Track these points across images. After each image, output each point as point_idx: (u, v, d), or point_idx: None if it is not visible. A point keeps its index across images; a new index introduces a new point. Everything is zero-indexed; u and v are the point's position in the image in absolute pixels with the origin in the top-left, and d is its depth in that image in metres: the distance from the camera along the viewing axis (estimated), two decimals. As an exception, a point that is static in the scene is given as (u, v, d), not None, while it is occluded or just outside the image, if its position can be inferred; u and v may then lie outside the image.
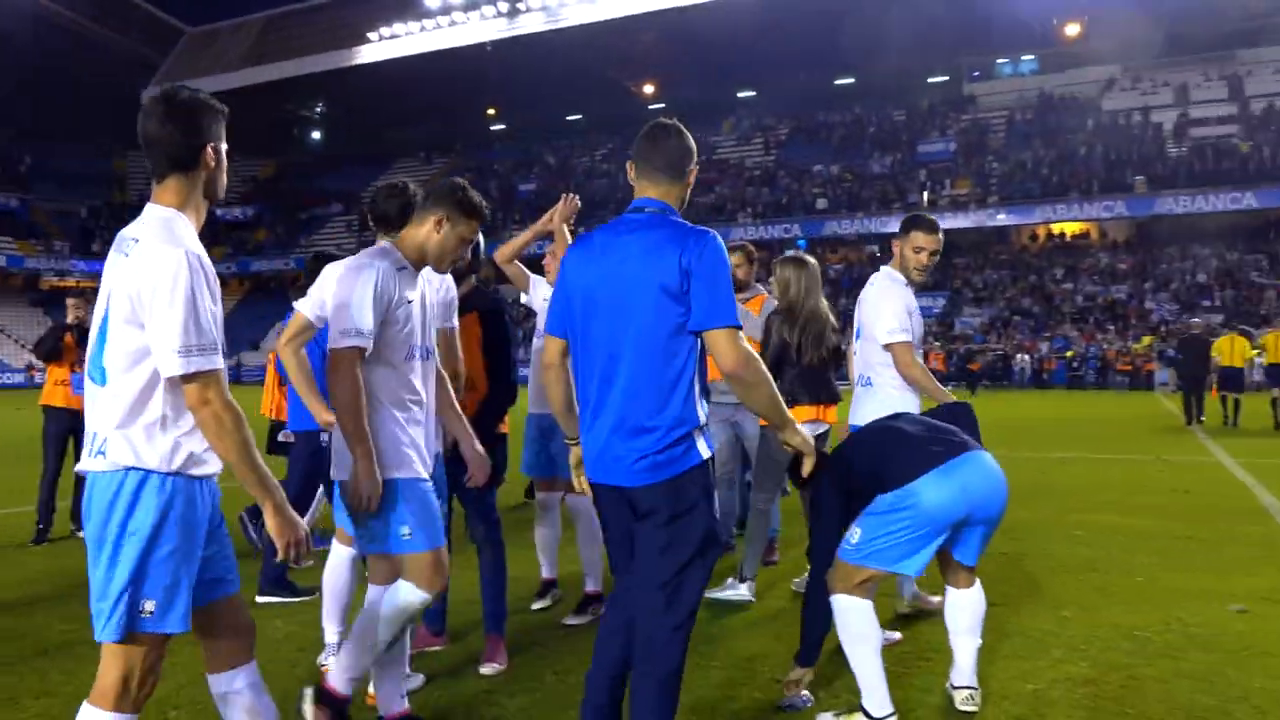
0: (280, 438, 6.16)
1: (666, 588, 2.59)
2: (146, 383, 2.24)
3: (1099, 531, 6.82)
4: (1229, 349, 16.99)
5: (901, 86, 52.48)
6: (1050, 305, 40.54)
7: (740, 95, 57.00)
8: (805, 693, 3.48)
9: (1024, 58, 52.96)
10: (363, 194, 58.41)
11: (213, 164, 2.35)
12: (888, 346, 4.31)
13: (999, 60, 53.54)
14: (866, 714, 3.20)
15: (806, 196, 47.52)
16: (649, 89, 58.59)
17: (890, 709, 3.19)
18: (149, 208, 2.33)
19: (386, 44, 52.63)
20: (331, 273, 3.35)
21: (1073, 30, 49.72)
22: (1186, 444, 13.79)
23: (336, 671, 3.08)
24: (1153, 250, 42.32)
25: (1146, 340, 35.11)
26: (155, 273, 2.18)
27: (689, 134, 2.82)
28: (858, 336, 4.59)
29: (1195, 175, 40.04)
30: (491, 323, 4.04)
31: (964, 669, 3.43)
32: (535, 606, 4.83)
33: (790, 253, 5.43)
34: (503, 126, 63.52)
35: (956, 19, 42.97)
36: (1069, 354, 35.75)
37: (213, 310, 2.25)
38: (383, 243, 3.24)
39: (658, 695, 2.58)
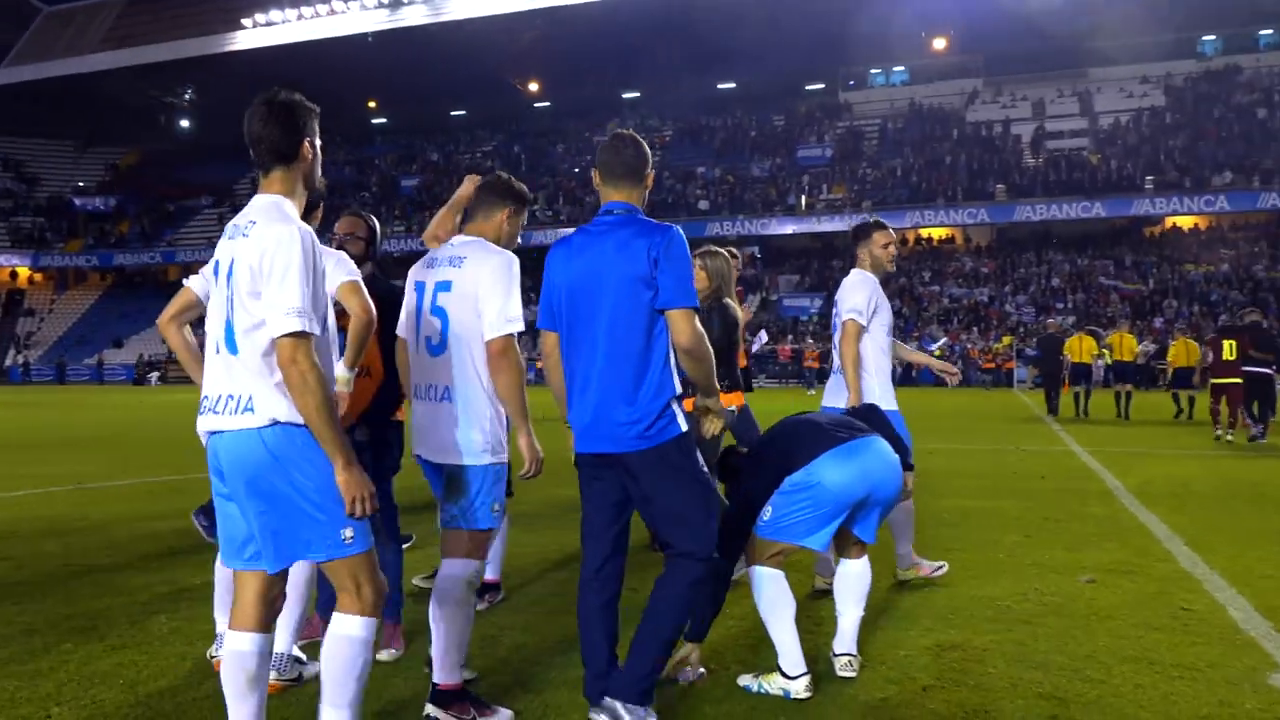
0: None
1: (689, 503, 2.97)
2: (269, 345, 2.50)
3: (964, 514, 7.30)
4: (1078, 347, 18.55)
5: (781, 93, 53.84)
6: (919, 306, 42.35)
7: (625, 96, 57.35)
8: (698, 668, 3.64)
9: (895, 69, 55.10)
10: (235, 186, 56.17)
11: (309, 156, 2.69)
12: (841, 323, 4.69)
13: (872, 70, 55.52)
14: (783, 673, 3.45)
15: (690, 198, 48.20)
16: (534, 87, 58.21)
17: (805, 669, 3.45)
18: (259, 196, 2.65)
19: (262, 31, 50.72)
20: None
21: (939, 44, 52.01)
22: (1042, 435, 14.73)
23: (442, 669, 3.20)
24: (1012, 255, 44.74)
25: (1007, 340, 37.17)
26: (273, 244, 2.48)
27: (644, 142, 3.15)
28: (834, 329, 4.96)
29: (1050, 185, 42.59)
30: (388, 310, 4.05)
31: (846, 635, 3.68)
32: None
33: (713, 246, 5.58)
34: (384, 120, 62.02)
35: (834, 28, 44.31)
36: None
37: (319, 282, 2.53)
38: (466, 238, 3.40)
39: (685, 594, 3.01)
